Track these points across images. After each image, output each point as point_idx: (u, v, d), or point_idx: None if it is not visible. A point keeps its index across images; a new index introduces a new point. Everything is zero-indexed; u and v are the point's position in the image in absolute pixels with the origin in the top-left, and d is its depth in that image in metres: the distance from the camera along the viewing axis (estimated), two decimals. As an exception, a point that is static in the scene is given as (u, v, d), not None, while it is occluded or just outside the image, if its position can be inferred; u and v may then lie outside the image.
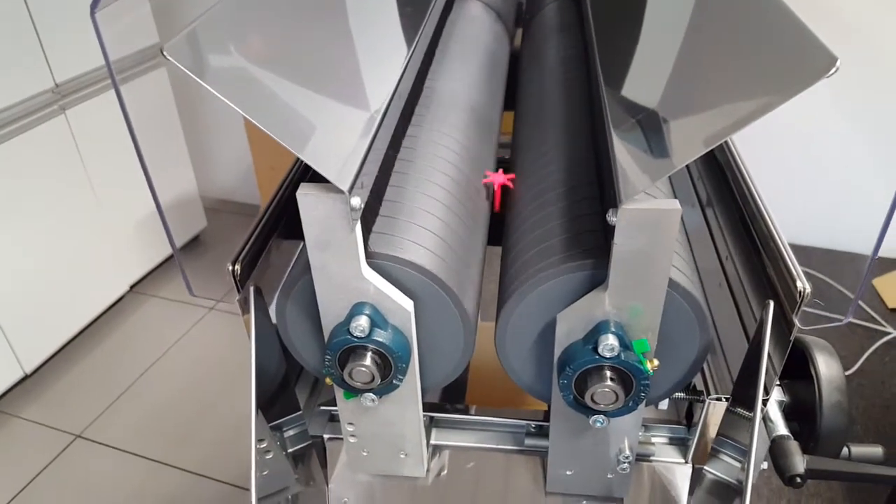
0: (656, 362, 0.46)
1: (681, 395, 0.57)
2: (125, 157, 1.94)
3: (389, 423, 0.54)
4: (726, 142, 0.69)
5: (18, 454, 1.64)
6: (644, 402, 0.48)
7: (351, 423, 0.55)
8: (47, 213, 1.74)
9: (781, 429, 0.53)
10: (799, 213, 2.24)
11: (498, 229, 0.63)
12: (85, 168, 1.82)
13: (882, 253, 2.31)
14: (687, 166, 0.82)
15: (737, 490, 0.54)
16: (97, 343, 1.97)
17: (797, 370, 0.57)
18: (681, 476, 0.57)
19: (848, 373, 1.83)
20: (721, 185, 0.69)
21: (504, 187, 0.62)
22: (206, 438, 1.68)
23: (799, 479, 0.49)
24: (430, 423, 0.61)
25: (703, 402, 0.55)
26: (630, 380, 0.46)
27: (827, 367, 0.53)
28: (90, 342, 1.96)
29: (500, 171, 0.63)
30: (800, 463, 0.49)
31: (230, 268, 0.51)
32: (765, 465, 0.60)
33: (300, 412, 0.59)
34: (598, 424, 0.49)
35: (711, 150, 0.75)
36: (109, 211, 1.92)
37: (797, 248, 2.22)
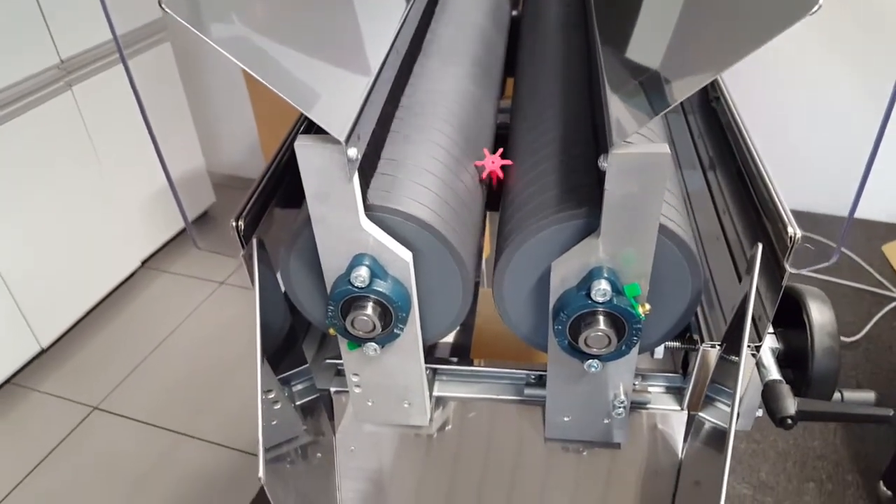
0: (648, 307, 0.47)
1: (676, 343, 0.58)
2: (133, 132, 1.96)
3: (392, 373, 0.56)
4: (728, 104, 0.70)
5: (37, 426, 1.69)
6: (637, 346, 0.50)
7: (356, 374, 0.57)
8: (56, 189, 1.76)
9: (774, 374, 0.54)
10: (806, 180, 2.23)
11: (499, 190, 0.64)
12: (93, 144, 1.84)
13: (891, 219, 2.31)
14: (689, 129, 0.83)
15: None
16: (111, 318, 2.00)
17: (791, 319, 0.58)
18: (677, 423, 0.59)
19: (855, 338, 1.84)
20: (722, 146, 0.70)
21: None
22: (224, 409, 1.72)
23: (790, 421, 0.51)
24: (433, 376, 0.62)
25: (698, 350, 0.56)
26: (622, 324, 0.47)
27: (819, 313, 0.54)
28: (104, 317, 2.00)
29: (495, 154, 0.62)
30: (791, 405, 0.51)
31: (234, 223, 0.52)
32: (760, 413, 0.61)
33: (307, 366, 0.61)
34: (593, 369, 0.51)
35: (714, 112, 0.75)
36: (118, 187, 1.95)
37: (802, 215, 2.22)
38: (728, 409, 0.57)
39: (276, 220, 0.58)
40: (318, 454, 0.61)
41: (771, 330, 0.57)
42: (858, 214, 2.25)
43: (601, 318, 0.47)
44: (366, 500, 0.63)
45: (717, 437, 0.58)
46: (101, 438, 1.66)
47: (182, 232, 2.26)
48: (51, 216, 1.76)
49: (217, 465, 1.57)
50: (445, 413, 0.62)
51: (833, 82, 2.07)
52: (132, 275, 2.10)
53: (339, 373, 0.63)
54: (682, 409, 0.59)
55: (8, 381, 1.78)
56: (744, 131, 0.63)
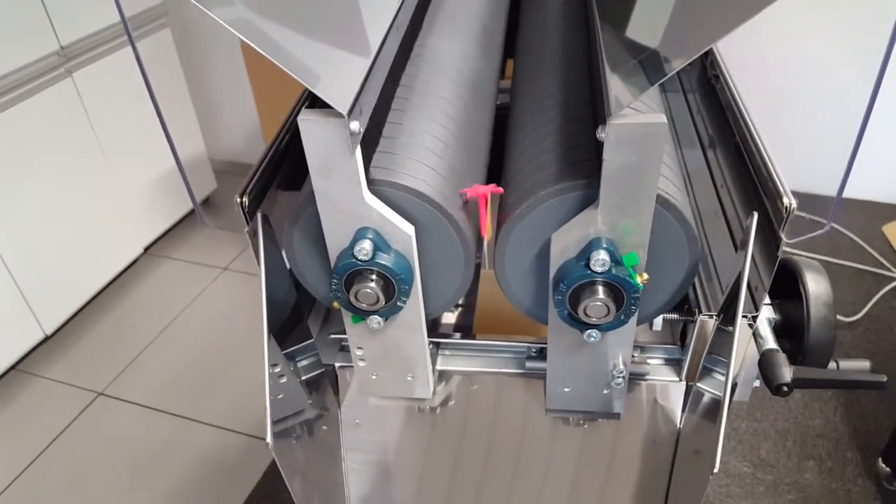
0: (646, 276, 0.48)
1: (674, 316, 0.59)
2: (134, 119, 1.96)
3: (396, 346, 0.57)
4: (727, 81, 0.70)
5: (42, 412, 1.70)
6: (635, 315, 0.50)
7: (360, 348, 0.58)
8: (58, 176, 1.77)
9: (770, 343, 0.55)
10: (804, 161, 2.23)
11: (498, 165, 0.65)
12: (94, 131, 1.84)
13: (891, 199, 2.30)
14: (689, 108, 0.83)
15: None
16: (115, 304, 2.02)
17: (788, 291, 0.59)
18: (675, 393, 0.60)
19: (855, 318, 1.85)
20: (720, 123, 0.70)
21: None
22: (228, 393, 1.74)
23: (786, 388, 0.52)
24: (436, 351, 0.63)
25: (696, 321, 0.57)
26: (621, 293, 0.48)
27: (815, 283, 0.55)
28: (108, 303, 2.02)
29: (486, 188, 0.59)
30: (787, 373, 0.52)
31: (238, 200, 0.53)
32: (757, 384, 0.62)
33: (312, 341, 0.62)
34: (592, 339, 0.52)
35: (713, 90, 0.76)
36: (119, 174, 1.95)
37: (808, 197, 2.22)
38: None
39: (280, 197, 0.59)
40: (324, 427, 0.62)
41: (768, 301, 0.58)
42: (858, 195, 2.26)
43: (600, 287, 0.48)
44: (371, 472, 0.64)
45: (715, 408, 0.59)
46: (107, 423, 1.68)
47: (184, 218, 2.26)
48: (53, 203, 1.77)
49: (222, 450, 1.59)
50: (448, 387, 0.64)
51: (833, 61, 2.06)
52: (135, 261, 2.11)
53: (344, 348, 0.64)
54: (681, 380, 0.60)
55: (13, 367, 1.80)
56: (742, 106, 0.63)
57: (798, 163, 2.18)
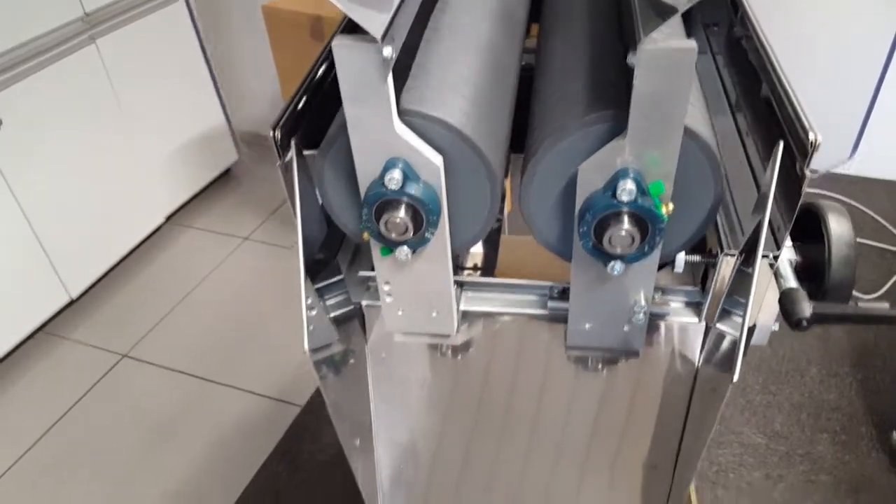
0: (671, 206, 0.49)
1: (695, 257, 0.60)
2: (156, 87, 1.99)
3: (422, 280, 0.59)
4: (755, 33, 0.70)
5: (68, 373, 1.75)
6: (659, 247, 0.51)
7: (387, 283, 0.59)
8: (81, 143, 1.80)
9: (791, 282, 0.56)
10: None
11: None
12: (117, 98, 1.87)
13: (914, 179, 2.26)
14: (717, 69, 0.83)
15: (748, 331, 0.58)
16: (139, 271, 2.06)
17: (811, 235, 0.60)
18: (694, 334, 0.61)
19: (876, 295, 1.84)
20: (747, 75, 0.70)
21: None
22: (251, 357, 1.77)
23: (805, 323, 0.52)
24: (460, 292, 0.65)
25: (717, 261, 0.58)
26: (646, 224, 0.49)
27: (837, 224, 0.56)
28: (132, 270, 2.05)
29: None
30: (806, 308, 0.52)
31: (271, 133, 0.55)
32: (776, 327, 0.63)
33: (342, 278, 0.64)
34: (615, 272, 0.53)
35: (742, 52, 0.75)
36: (142, 142, 1.98)
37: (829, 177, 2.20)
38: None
39: (313, 132, 0.60)
40: (352, 360, 0.64)
41: (789, 243, 0.59)
42: (881, 175, 2.23)
43: (626, 218, 0.49)
44: (395, 407, 0.66)
45: (733, 349, 0.60)
46: (131, 385, 1.72)
47: (206, 188, 2.29)
48: (76, 170, 1.80)
49: (244, 411, 1.63)
50: (471, 328, 0.65)
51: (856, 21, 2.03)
52: (157, 230, 2.15)
53: (371, 287, 0.66)
54: (700, 322, 0.61)
55: (39, 329, 1.84)
56: (768, 49, 0.63)
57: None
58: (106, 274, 2.00)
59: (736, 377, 0.46)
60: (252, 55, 2.35)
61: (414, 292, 0.60)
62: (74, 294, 1.88)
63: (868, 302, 0.57)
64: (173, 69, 2.05)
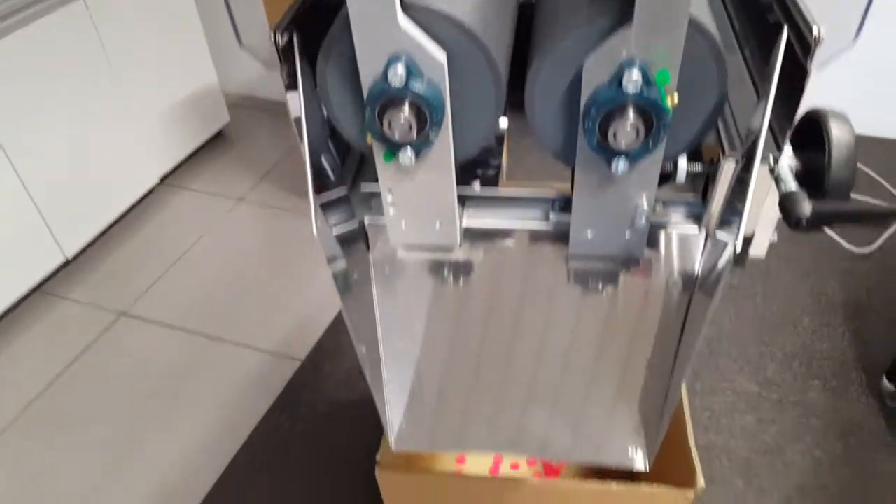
0: (676, 98, 0.49)
1: (697, 166, 0.61)
2: (148, 44, 1.96)
3: (425, 188, 0.59)
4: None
5: (66, 331, 1.75)
6: (663, 143, 0.52)
7: (390, 191, 0.60)
8: (71, 102, 1.78)
9: (791, 186, 0.57)
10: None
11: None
12: (106, 55, 1.84)
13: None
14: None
15: (743, 252, 0.59)
16: (134, 231, 2.05)
17: (811, 143, 0.60)
18: (694, 243, 0.62)
19: (868, 250, 1.86)
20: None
21: None
22: (249, 314, 1.78)
23: (804, 223, 0.53)
24: (462, 208, 0.65)
25: (717, 167, 0.58)
26: (650, 118, 0.50)
27: (838, 127, 0.56)
28: (127, 231, 2.05)
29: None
30: (806, 206, 0.53)
31: (272, 37, 0.54)
32: (774, 238, 0.64)
33: (345, 194, 0.64)
34: (619, 170, 0.53)
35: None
36: (133, 101, 1.96)
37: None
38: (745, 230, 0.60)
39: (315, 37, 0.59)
40: (356, 275, 0.64)
41: (790, 150, 0.59)
42: (878, 133, 2.24)
43: (631, 110, 0.49)
44: (400, 321, 0.66)
45: (732, 255, 0.61)
46: (129, 342, 1.72)
47: (200, 149, 2.28)
48: (67, 129, 1.79)
49: (245, 366, 1.64)
50: (474, 245, 0.65)
51: None
52: (152, 191, 2.13)
53: (374, 205, 0.66)
54: (700, 231, 0.61)
55: (36, 289, 1.84)
56: None
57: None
58: (101, 234, 1.99)
59: (738, 247, 0.47)
60: (246, 18, 2.32)
61: (417, 202, 0.60)
62: (70, 254, 1.87)
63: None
64: (165, 28, 2.03)
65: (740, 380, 1.57)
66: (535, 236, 0.64)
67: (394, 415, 0.64)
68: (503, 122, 0.61)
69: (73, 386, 1.61)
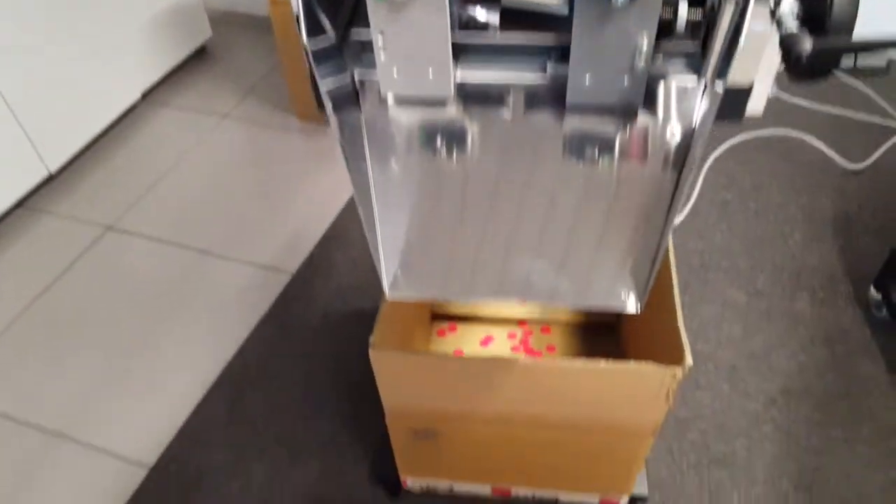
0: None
1: (697, 16, 0.59)
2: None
3: (418, 30, 0.57)
4: None
5: (51, 246, 1.73)
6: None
7: (382, 34, 0.57)
8: (48, 10, 1.71)
9: (792, 27, 0.55)
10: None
11: None
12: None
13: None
14: None
15: (745, 92, 0.58)
16: (118, 147, 2.01)
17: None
18: (693, 93, 0.60)
19: (862, 166, 1.86)
20: None
21: None
22: (237, 228, 1.76)
23: (805, 60, 0.52)
24: (457, 61, 0.62)
25: (718, 11, 0.56)
26: (653, -64, 0.47)
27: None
28: (111, 147, 2.01)
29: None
30: (807, 43, 0.51)
31: None
32: (773, 91, 0.63)
33: (336, 44, 0.61)
34: (620, 1, 0.51)
35: None
36: (112, 13, 1.89)
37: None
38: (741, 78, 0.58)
39: None
40: (347, 131, 0.63)
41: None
42: (873, 37, 2.20)
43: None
44: (393, 174, 0.65)
45: (730, 102, 0.60)
46: (119, 256, 1.71)
47: (182, 65, 2.21)
48: (45, 41, 1.72)
49: (234, 280, 1.63)
50: (468, 105, 0.64)
51: None
52: (135, 107, 2.08)
53: (366, 60, 0.63)
54: (700, 81, 0.60)
55: (19, 205, 1.81)
56: None
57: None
58: (85, 150, 1.95)
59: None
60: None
61: (409, 45, 0.58)
62: (53, 168, 1.84)
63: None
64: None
65: (729, 291, 1.58)
66: (531, 95, 0.63)
67: (388, 265, 0.64)
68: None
69: (62, 300, 1.60)
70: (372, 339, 0.86)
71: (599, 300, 0.63)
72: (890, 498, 1.22)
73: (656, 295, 0.96)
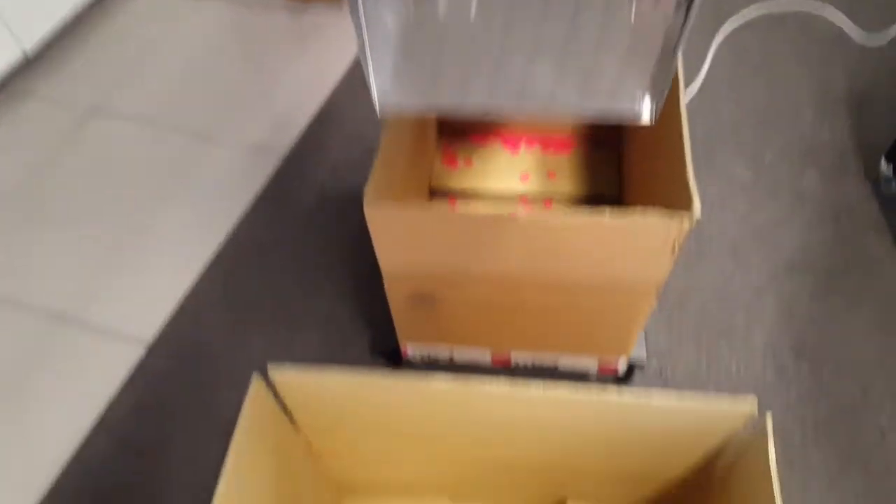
0: None
1: None
2: None
3: None
4: None
5: (35, 128, 1.66)
6: None
7: None
8: None
9: None
10: None
11: None
12: None
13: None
14: None
15: None
16: (97, 30, 1.90)
17: None
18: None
19: (877, 43, 1.76)
20: None
21: None
22: (227, 109, 1.69)
23: None
24: None
25: None
26: None
27: None
28: (90, 30, 1.90)
29: None
30: None
31: None
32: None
33: None
34: None
35: None
36: None
37: None
38: None
39: None
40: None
41: None
42: None
43: None
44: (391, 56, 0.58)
45: None
46: (106, 138, 1.65)
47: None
48: None
49: (227, 160, 1.58)
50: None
51: None
52: (111, -14, 1.96)
53: None
54: None
55: (-2, 87, 1.73)
56: None
57: None
58: (63, 33, 1.85)
59: None
60: None
61: None
62: (29, 48, 1.74)
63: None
64: None
65: (735, 167, 1.54)
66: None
67: (378, 76, 0.58)
68: None
69: (49, 182, 1.55)
70: (366, 191, 0.82)
71: (607, 102, 0.58)
72: (890, 363, 1.22)
73: (664, 146, 0.91)
